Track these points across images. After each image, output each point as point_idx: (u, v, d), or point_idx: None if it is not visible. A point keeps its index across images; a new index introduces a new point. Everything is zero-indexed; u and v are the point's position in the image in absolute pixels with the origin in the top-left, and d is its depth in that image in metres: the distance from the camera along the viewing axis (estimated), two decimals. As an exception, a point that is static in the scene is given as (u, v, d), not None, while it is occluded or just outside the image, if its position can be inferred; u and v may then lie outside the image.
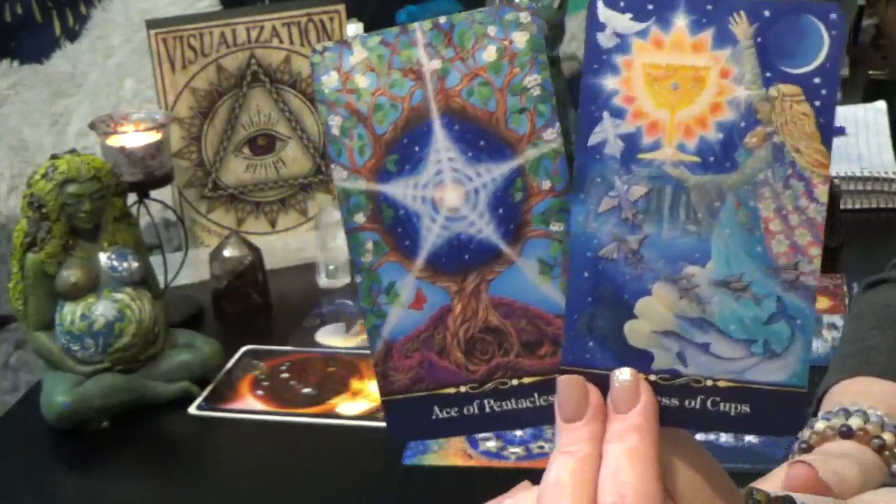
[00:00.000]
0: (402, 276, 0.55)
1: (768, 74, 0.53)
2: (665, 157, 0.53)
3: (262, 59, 1.58)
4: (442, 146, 0.54)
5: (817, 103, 0.52)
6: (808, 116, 0.52)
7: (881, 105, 1.89)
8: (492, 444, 1.13)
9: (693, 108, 0.53)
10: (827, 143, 0.52)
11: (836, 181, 1.56)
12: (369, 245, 0.55)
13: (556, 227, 0.54)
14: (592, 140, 0.53)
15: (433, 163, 0.54)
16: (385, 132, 0.55)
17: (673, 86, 0.53)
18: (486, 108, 0.54)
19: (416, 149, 0.54)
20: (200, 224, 1.60)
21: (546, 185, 0.54)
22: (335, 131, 0.55)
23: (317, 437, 1.20)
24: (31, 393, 1.30)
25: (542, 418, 0.55)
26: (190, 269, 1.51)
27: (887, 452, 0.70)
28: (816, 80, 0.52)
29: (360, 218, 0.55)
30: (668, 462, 0.52)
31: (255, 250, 1.47)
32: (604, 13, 0.53)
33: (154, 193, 1.44)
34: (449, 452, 1.12)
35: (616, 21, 0.53)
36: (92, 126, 1.45)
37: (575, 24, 2.43)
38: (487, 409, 0.56)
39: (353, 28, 1.81)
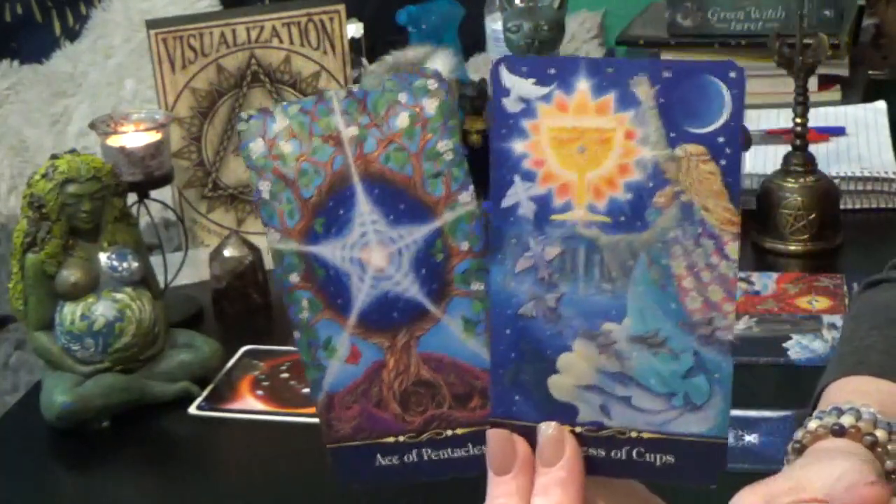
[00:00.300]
0: (338, 332, 0.57)
1: (673, 135, 0.53)
2: (576, 217, 0.54)
3: (262, 59, 1.58)
4: (365, 209, 0.56)
5: (723, 162, 0.53)
6: (715, 175, 0.53)
7: (881, 105, 1.89)
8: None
9: (601, 170, 0.54)
10: (734, 201, 0.53)
11: (836, 181, 1.56)
12: (304, 303, 0.57)
13: (476, 286, 0.56)
14: (506, 203, 0.54)
15: (358, 225, 0.56)
16: (311, 196, 0.56)
17: (580, 148, 0.54)
18: (403, 172, 0.56)
19: (342, 212, 0.56)
20: (200, 224, 1.60)
21: (465, 246, 0.56)
22: (265, 195, 0.57)
23: (317, 437, 1.19)
24: (31, 393, 1.30)
25: (478, 467, 0.57)
26: (190, 269, 1.51)
27: (879, 449, 0.70)
28: (720, 139, 0.53)
29: (294, 277, 0.57)
30: None
31: (255, 250, 1.47)
32: (507, 78, 0.54)
33: (154, 193, 1.44)
34: (449, 452, 1.12)
35: (520, 86, 0.54)
36: (92, 126, 1.45)
37: (575, 24, 2.43)
38: (426, 458, 0.58)
39: (354, 28, 1.81)
